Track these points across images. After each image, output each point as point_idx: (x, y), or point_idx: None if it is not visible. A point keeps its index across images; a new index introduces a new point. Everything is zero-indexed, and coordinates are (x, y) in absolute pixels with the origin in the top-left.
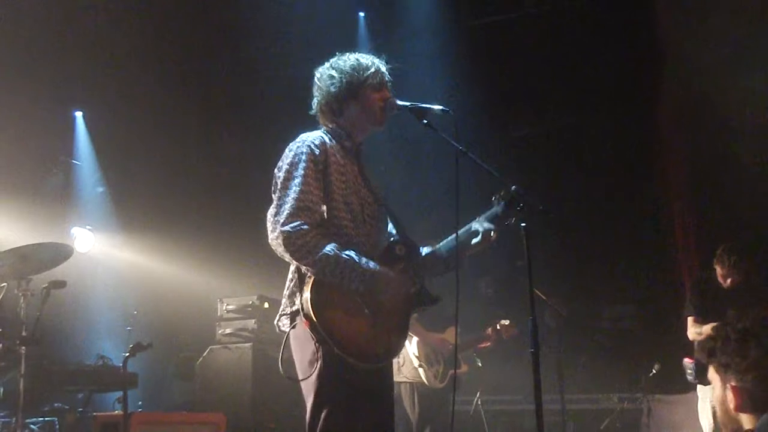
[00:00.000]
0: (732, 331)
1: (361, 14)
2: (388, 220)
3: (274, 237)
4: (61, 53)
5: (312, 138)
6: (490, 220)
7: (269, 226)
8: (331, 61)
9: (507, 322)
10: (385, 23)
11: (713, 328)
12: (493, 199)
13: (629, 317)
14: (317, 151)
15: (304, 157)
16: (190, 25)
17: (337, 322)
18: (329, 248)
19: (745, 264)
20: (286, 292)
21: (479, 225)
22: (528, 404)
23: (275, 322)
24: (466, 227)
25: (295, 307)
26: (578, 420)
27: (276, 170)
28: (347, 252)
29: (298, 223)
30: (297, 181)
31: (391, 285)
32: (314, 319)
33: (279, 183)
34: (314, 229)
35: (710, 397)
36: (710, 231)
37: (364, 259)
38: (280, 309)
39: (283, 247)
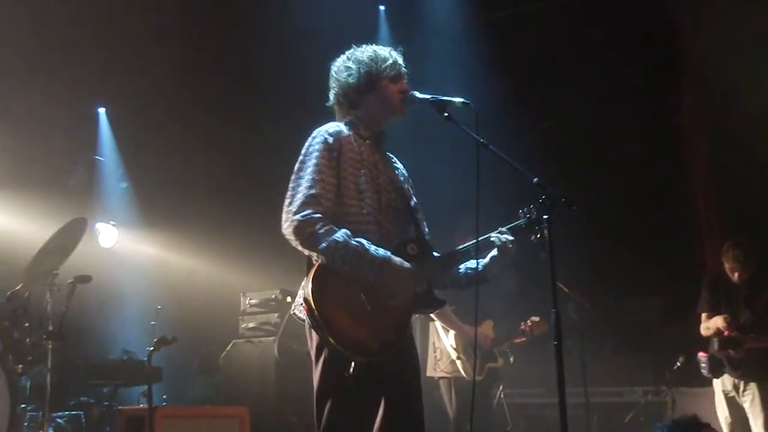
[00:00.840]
0: None
1: (382, 8)
2: (413, 216)
3: (286, 226)
4: (84, 50)
5: (327, 128)
6: (513, 233)
7: (283, 215)
8: (347, 53)
9: (537, 319)
10: (405, 16)
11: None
12: (519, 212)
13: (654, 309)
14: (331, 140)
15: (318, 146)
16: (211, 21)
17: (334, 311)
18: (339, 235)
19: (750, 259)
20: (303, 283)
21: (497, 237)
22: (551, 397)
23: (292, 311)
24: (484, 237)
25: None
26: (602, 413)
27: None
28: (358, 239)
29: (310, 211)
30: (310, 170)
31: (402, 275)
32: (312, 305)
33: (294, 172)
34: (326, 217)
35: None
36: (735, 224)
37: (373, 247)
38: (296, 297)
39: (294, 235)
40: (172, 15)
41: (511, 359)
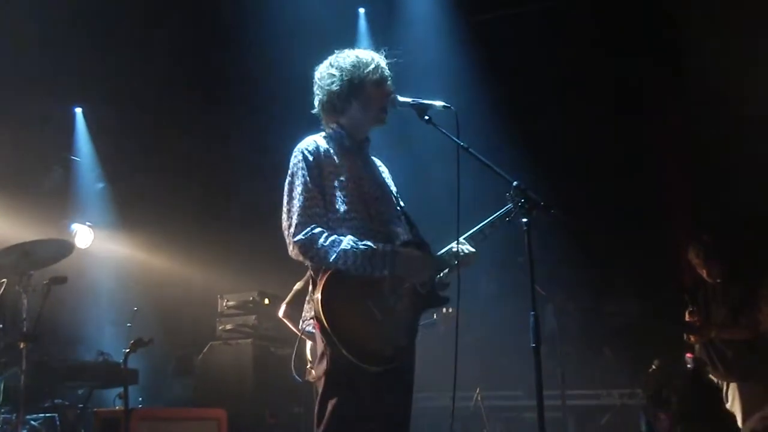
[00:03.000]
0: None
1: (362, 10)
2: (404, 219)
3: (291, 249)
4: (60, 49)
5: (305, 145)
6: (493, 224)
7: (286, 239)
8: (330, 59)
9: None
10: (385, 19)
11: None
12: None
13: (631, 313)
14: (310, 158)
15: (300, 165)
16: (189, 21)
17: (346, 323)
18: (346, 243)
19: (712, 257)
20: (308, 297)
21: (460, 246)
22: (528, 400)
23: (301, 326)
24: (447, 248)
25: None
26: (579, 416)
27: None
28: (364, 242)
29: (309, 229)
30: (299, 190)
31: (416, 262)
32: (324, 320)
33: (284, 195)
34: (326, 230)
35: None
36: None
37: (381, 244)
38: (303, 313)
39: (302, 256)
40: (149, 15)
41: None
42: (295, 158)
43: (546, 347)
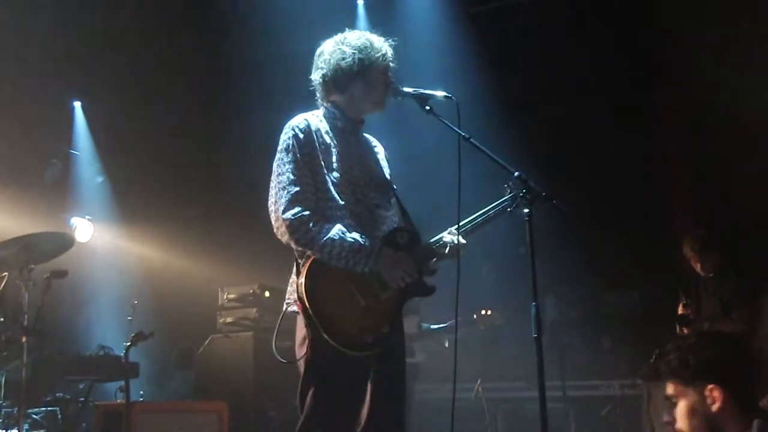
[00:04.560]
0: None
1: (360, 1)
2: (395, 204)
3: (277, 226)
4: (59, 43)
5: (296, 122)
6: (496, 211)
7: (271, 216)
8: (338, 37)
9: (489, 312)
10: (383, 10)
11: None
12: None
13: (631, 303)
14: (301, 135)
15: (291, 142)
16: (187, 14)
17: (328, 307)
18: (334, 233)
19: (706, 251)
20: (290, 279)
21: (451, 237)
22: (529, 391)
23: (285, 308)
24: (438, 237)
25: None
26: (579, 406)
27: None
28: (352, 235)
29: (299, 209)
30: (288, 167)
31: (397, 265)
32: (306, 303)
33: (273, 171)
34: (314, 214)
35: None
36: (712, 220)
37: (368, 241)
38: (286, 294)
39: (288, 234)
40: (148, 8)
41: (446, 344)
42: (285, 135)
43: (547, 338)
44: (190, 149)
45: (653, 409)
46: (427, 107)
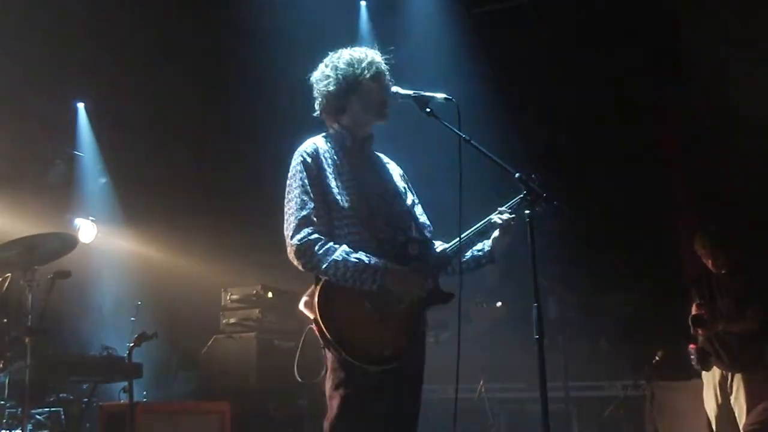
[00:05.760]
0: None
1: (363, 3)
2: (413, 213)
3: (288, 251)
4: (62, 44)
5: (304, 148)
6: (510, 208)
7: (286, 241)
8: (324, 61)
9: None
10: (386, 12)
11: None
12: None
13: (633, 304)
14: (309, 159)
15: (299, 168)
16: (191, 16)
17: (344, 326)
18: (338, 254)
19: (718, 247)
20: (305, 300)
21: (498, 217)
22: (531, 391)
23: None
24: (486, 220)
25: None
26: (582, 407)
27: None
28: (356, 255)
29: (305, 233)
30: (296, 192)
31: (405, 281)
32: (323, 326)
33: (286, 195)
34: (322, 236)
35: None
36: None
37: (374, 259)
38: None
39: (296, 260)
40: (153, 9)
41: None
42: (295, 161)
43: (548, 339)
44: (193, 150)
45: (656, 409)
46: (428, 109)
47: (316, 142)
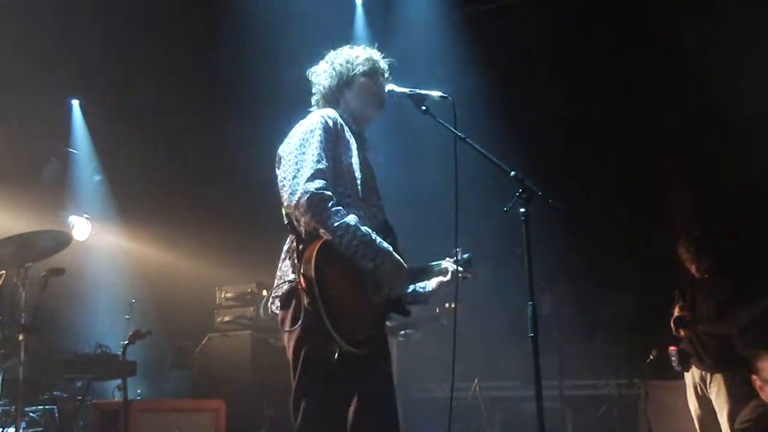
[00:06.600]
0: None
1: (358, 1)
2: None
3: (295, 197)
4: (57, 41)
5: (326, 111)
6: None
7: (287, 187)
8: (326, 57)
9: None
10: (382, 10)
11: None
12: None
13: (627, 303)
14: (331, 123)
15: (321, 127)
16: (186, 13)
17: (333, 295)
18: (351, 219)
19: (702, 252)
20: (279, 273)
21: (449, 264)
22: (526, 390)
23: (267, 304)
24: (437, 262)
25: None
26: (576, 406)
27: (283, 145)
28: (366, 227)
29: (323, 185)
30: (315, 146)
31: (399, 274)
32: (314, 283)
33: (294, 148)
34: (334, 196)
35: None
36: (709, 222)
37: (379, 239)
38: (272, 290)
39: (305, 207)
40: (147, 7)
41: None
42: (314, 120)
43: (543, 337)
44: (187, 147)
45: (651, 408)
46: (423, 107)
47: (336, 114)
